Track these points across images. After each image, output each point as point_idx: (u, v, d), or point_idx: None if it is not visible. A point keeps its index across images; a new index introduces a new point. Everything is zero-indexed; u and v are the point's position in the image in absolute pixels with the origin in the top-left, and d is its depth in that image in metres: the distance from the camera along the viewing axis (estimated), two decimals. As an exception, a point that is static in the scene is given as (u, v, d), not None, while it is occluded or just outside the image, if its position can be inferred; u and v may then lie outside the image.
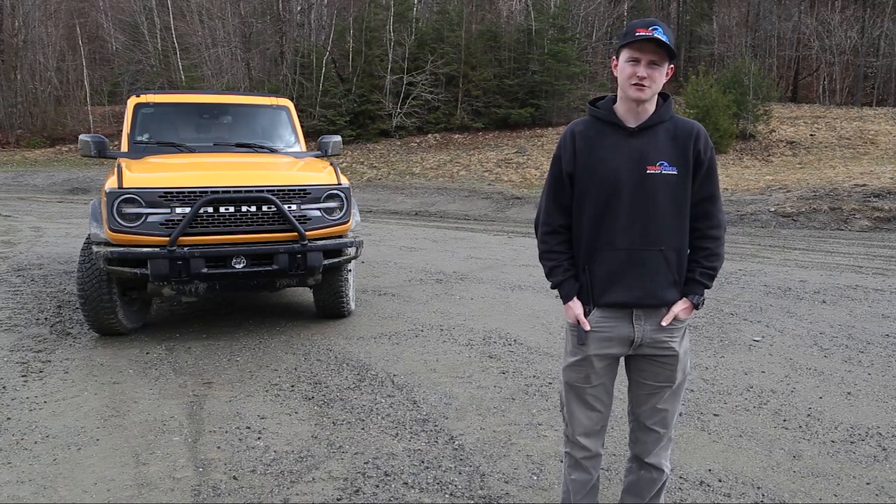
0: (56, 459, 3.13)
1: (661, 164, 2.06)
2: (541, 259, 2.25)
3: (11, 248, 9.61)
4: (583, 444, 2.25)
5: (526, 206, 16.71)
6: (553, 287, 2.24)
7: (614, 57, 2.10)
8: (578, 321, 2.15)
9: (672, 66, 2.08)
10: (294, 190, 4.94)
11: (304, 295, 6.66)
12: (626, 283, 2.08)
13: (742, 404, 3.84)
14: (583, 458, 2.26)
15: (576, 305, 2.16)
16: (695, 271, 2.15)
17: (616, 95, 2.14)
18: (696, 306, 2.15)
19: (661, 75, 2.03)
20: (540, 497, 2.82)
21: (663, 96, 2.14)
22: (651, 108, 2.10)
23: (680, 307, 2.12)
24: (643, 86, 2.01)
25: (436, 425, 3.54)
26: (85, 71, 34.31)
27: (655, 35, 1.96)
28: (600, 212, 2.08)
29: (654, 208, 2.06)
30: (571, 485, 2.31)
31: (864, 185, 14.35)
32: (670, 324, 2.13)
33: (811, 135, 23.53)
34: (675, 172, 2.06)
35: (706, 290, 2.18)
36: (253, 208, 4.80)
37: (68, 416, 3.64)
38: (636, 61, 2.01)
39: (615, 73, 2.10)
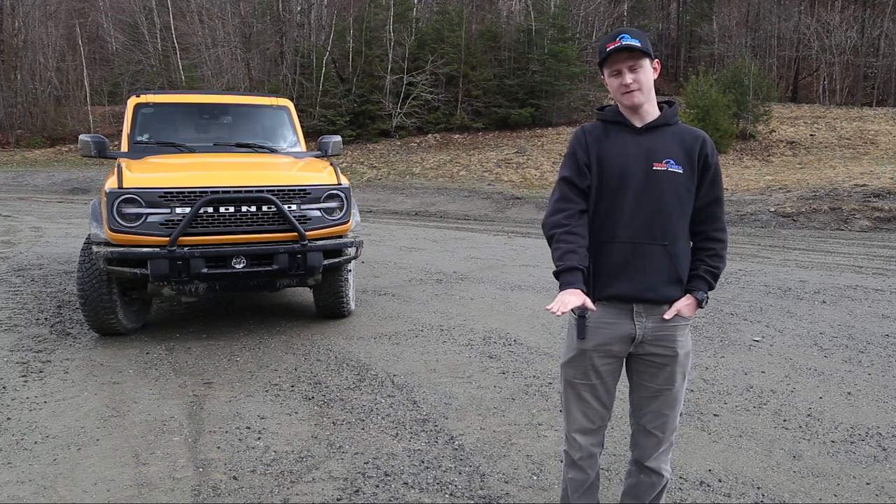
0: (56, 459, 3.13)
1: (668, 162, 2.10)
2: (556, 239, 2.07)
3: (11, 248, 9.61)
4: (578, 441, 2.24)
5: (526, 206, 16.72)
6: (560, 270, 2.04)
7: (602, 76, 2.18)
8: (584, 304, 1.99)
9: (657, 60, 2.14)
10: (294, 190, 4.94)
11: (304, 295, 6.66)
12: (627, 275, 2.10)
13: (742, 404, 3.84)
14: (578, 458, 2.26)
15: (574, 295, 1.97)
16: (699, 269, 2.17)
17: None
18: (700, 303, 2.16)
19: (647, 75, 2.09)
20: (540, 497, 2.82)
21: (668, 102, 2.21)
22: (654, 111, 2.16)
23: (683, 303, 2.13)
24: (631, 90, 2.08)
25: (436, 425, 3.54)
26: (85, 71, 34.30)
27: (623, 43, 2.04)
28: (606, 206, 2.12)
29: (658, 204, 2.09)
30: (569, 483, 2.32)
31: (864, 185, 14.35)
32: (672, 322, 2.13)
33: (811, 135, 23.54)
34: (680, 171, 2.11)
35: (710, 291, 2.19)
36: (253, 208, 4.80)
37: (68, 416, 3.64)
38: (618, 73, 2.09)
39: (608, 89, 2.18)
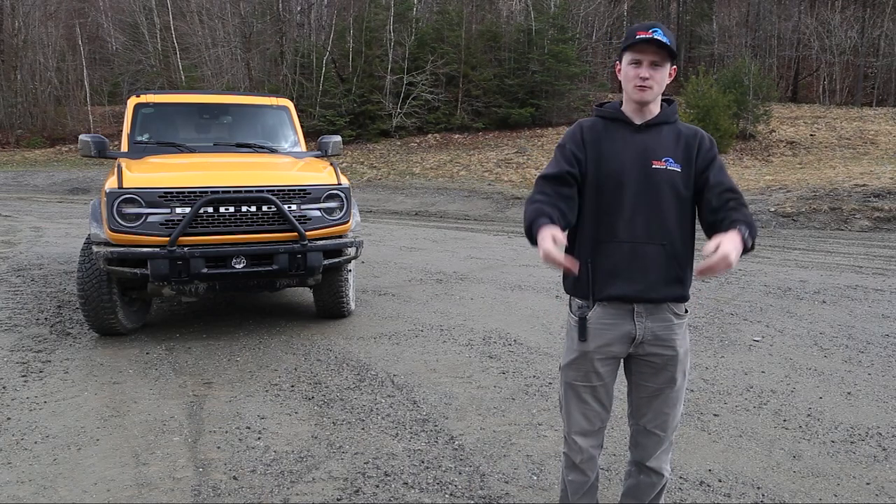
0: (56, 459, 3.13)
1: (667, 161, 2.08)
2: (525, 215, 2.03)
3: (11, 248, 9.61)
4: (578, 444, 2.23)
5: (526, 206, 16.71)
6: (527, 227, 1.98)
7: (618, 61, 2.14)
8: (554, 237, 1.86)
9: (674, 66, 2.11)
10: (294, 190, 4.94)
11: (304, 295, 6.66)
12: (627, 276, 2.08)
13: (742, 404, 3.84)
14: (579, 461, 2.25)
15: (546, 234, 1.86)
16: (731, 216, 1.98)
17: (621, 100, 2.18)
18: (745, 243, 1.88)
19: (664, 76, 2.06)
20: (540, 497, 2.82)
21: (667, 101, 2.18)
22: (656, 109, 2.14)
23: (731, 239, 1.85)
24: (645, 87, 2.05)
25: (436, 425, 3.54)
26: (85, 71, 34.31)
27: (655, 36, 2.00)
28: (605, 204, 2.10)
29: (657, 203, 2.07)
30: (569, 485, 2.31)
31: (864, 185, 14.35)
32: (670, 323, 2.12)
33: (811, 135, 23.53)
34: (679, 169, 2.09)
35: (746, 250, 1.90)
36: (253, 208, 4.80)
37: (68, 416, 3.64)
38: (638, 63, 2.04)
39: (619, 77, 2.13)
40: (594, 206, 2.12)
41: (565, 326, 2.27)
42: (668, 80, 2.09)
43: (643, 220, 2.07)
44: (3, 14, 33.90)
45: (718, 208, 2.05)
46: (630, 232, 2.07)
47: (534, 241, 1.93)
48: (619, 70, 2.12)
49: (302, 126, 6.61)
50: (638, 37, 2.01)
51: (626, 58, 2.06)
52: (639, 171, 2.07)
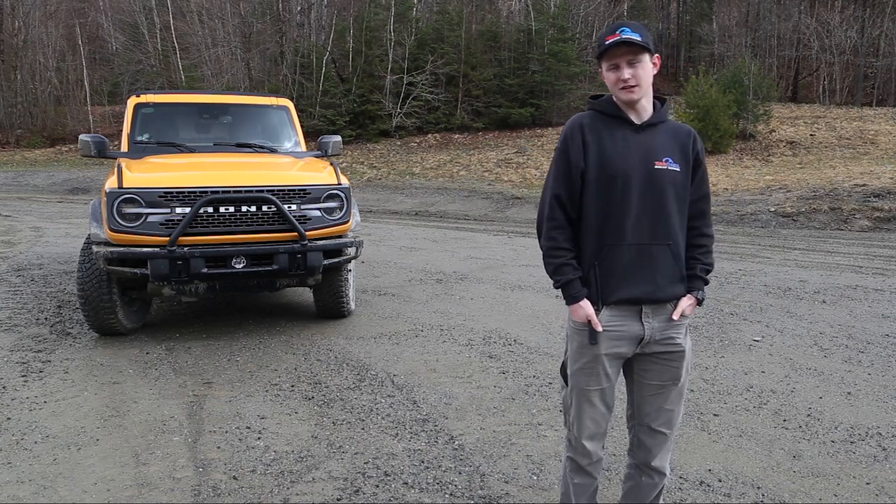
0: (56, 459, 3.13)
1: (667, 161, 2.09)
2: (546, 256, 2.17)
3: (11, 248, 9.61)
4: (588, 448, 2.21)
5: (526, 206, 16.72)
6: (558, 286, 2.16)
7: (600, 69, 2.13)
8: (590, 321, 2.10)
9: (657, 55, 2.09)
10: (294, 190, 4.94)
11: (304, 295, 6.66)
12: (636, 278, 2.08)
13: (742, 404, 3.84)
14: (587, 464, 2.24)
15: (586, 305, 2.11)
16: (695, 268, 2.18)
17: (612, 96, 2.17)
18: (699, 302, 2.19)
19: (646, 70, 2.05)
20: (540, 497, 2.82)
21: (660, 100, 2.18)
22: (650, 107, 2.13)
23: (686, 304, 2.15)
24: (631, 86, 2.04)
25: (436, 425, 3.54)
26: (85, 71, 34.32)
27: (623, 36, 1.99)
28: (610, 206, 2.08)
29: (662, 204, 2.08)
30: (574, 489, 2.29)
31: (864, 185, 14.35)
32: (675, 321, 2.14)
33: (811, 135, 23.53)
34: (678, 169, 2.10)
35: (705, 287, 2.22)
36: (253, 208, 4.80)
37: (68, 416, 3.64)
38: (616, 67, 2.05)
39: (605, 82, 2.13)
40: (599, 208, 2.09)
41: (566, 328, 2.26)
42: (654, 71, 2.08)
43: (649, 221, 2.07)
44: (3, 14, 33.90)
45: (692, 217, 2.18)
46: (636, 234, 2.07)
47: (559, 284, 2.17)
48: (603, 76, 2.12)
49: (302, 126, 6.62)
50: (607, 42, 2.02)
51: (604, 65, 2.08)
52: (642, 171, 2.06)
